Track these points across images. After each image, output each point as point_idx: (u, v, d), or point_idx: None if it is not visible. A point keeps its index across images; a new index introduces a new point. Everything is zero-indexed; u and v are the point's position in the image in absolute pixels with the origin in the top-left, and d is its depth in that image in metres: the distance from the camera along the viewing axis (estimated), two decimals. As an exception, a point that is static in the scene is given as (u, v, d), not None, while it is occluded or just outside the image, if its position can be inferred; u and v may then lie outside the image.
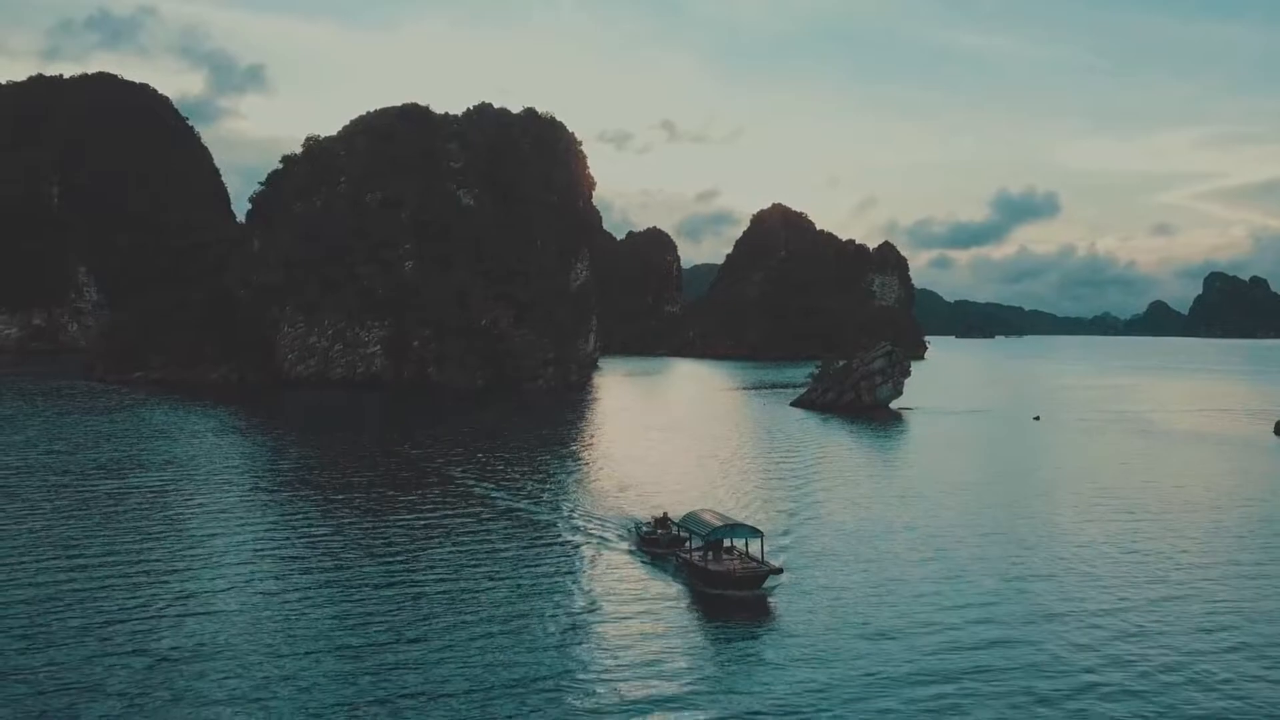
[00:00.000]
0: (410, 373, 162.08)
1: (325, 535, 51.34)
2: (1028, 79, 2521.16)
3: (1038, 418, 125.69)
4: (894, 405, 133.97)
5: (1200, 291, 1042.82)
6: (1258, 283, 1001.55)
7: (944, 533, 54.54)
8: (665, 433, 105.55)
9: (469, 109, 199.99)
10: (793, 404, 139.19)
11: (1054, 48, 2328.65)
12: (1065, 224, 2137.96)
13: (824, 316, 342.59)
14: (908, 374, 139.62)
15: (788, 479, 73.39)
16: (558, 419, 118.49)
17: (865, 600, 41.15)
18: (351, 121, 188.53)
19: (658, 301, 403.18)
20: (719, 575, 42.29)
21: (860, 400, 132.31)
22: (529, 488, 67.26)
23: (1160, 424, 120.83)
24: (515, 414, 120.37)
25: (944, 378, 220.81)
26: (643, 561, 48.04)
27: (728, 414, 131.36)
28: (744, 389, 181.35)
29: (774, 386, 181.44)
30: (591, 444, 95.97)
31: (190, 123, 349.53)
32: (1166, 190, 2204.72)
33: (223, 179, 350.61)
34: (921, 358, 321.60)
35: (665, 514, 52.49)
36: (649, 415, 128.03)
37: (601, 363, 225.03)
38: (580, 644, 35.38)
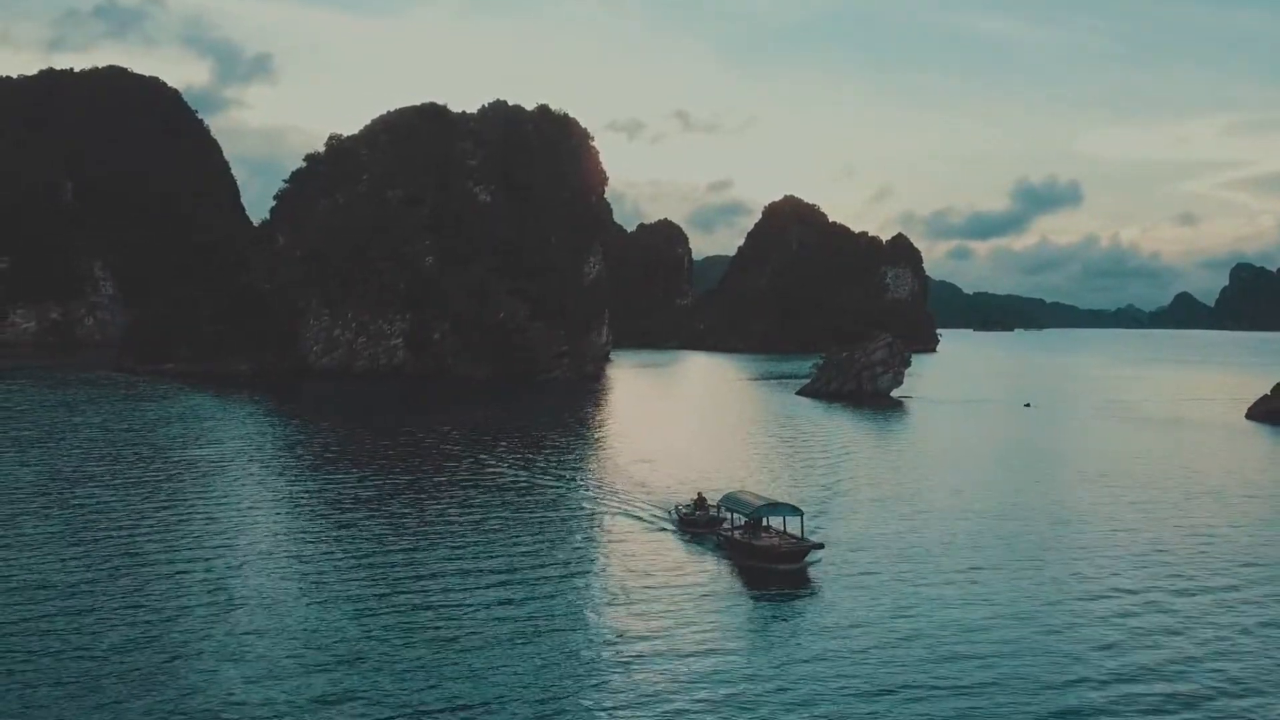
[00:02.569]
0: (430, 365, 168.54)
1: (374, 511, 55.64)
2: (1049, 65, 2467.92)
3: (1028, 405, 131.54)
4: (895, 394, 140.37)
5: (1226, 283, 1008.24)
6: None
7: (948, 510, 59.66)
8: (682, 420, 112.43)
9: (484, 106, 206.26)
10: (798, 393, 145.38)
11: (1076, 33, 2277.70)
12: (1087, 214, 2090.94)
13: (835, 310, 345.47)
14: (908, 364, 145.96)
15: (803, 461, 79.20)
16: (577, 408, 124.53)
17: (899, 574, 44.07)
18: (372, 120, 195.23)
19: (668, 294, 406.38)
20: (764, 550, 44.48)
21: (862, 389, 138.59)
22: (562, 472, 70.84)
23: (1144, 411, 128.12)
24: (535, 404, 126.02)
25: (949, 370, 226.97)
26: (682, 540, 50.60)
27: (739, 403, 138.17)
28: (752, 380, 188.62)
29: (781, 378, 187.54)
30: (614, 431, 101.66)
31: (199, 115, 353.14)
32: (1191, 179, 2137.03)
33: (231, 171, 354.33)
34: (933, 351, 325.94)
35: (701, 494, 54.87)
36: (664, 404, 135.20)
37: (613, 355, 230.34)
38: (629, 612, 38.06)
